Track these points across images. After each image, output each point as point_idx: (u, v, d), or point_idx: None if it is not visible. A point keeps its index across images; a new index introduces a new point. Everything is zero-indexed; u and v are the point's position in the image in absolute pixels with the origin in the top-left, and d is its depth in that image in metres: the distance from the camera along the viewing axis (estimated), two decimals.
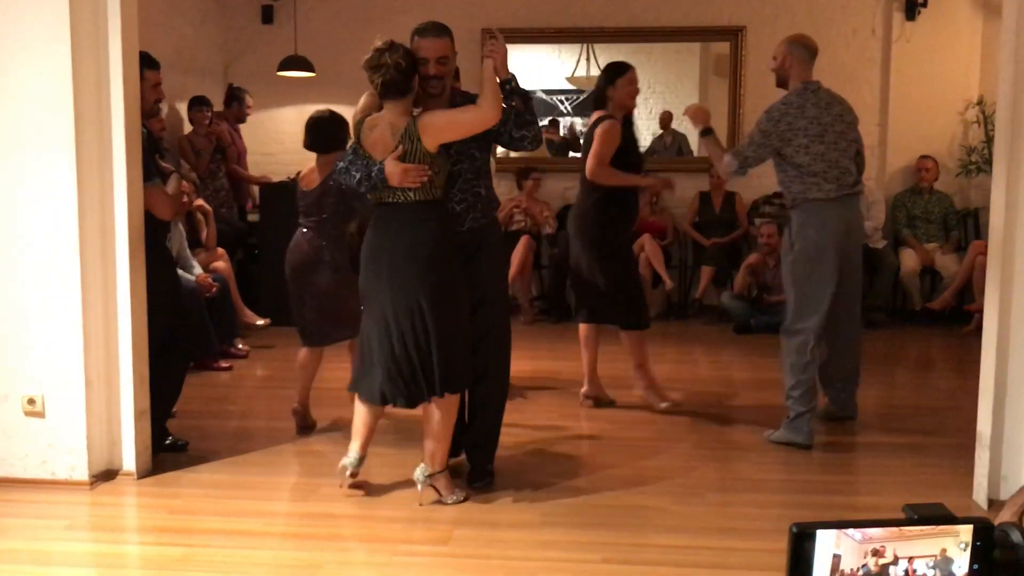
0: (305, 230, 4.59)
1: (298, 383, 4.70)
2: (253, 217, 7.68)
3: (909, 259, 7.65)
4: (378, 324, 3.60)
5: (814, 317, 4.38)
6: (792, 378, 4.43)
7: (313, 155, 4.58)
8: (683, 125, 8.46)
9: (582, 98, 8.80)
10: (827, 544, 1.43)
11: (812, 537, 1.42)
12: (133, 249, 3.86)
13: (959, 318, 7.28)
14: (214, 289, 5.86)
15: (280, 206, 7.17)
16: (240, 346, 6.34)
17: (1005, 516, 3.24)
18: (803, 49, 4.51)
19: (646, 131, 8.45)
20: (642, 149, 5.74)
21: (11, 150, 3.73)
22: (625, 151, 4.82)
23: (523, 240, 7.72)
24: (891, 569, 1.45)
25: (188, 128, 7.39)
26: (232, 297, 6.40)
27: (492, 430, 3.94)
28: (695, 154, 8.36)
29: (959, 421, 4.63)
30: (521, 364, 6.25)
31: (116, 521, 3.67)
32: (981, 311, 4.25)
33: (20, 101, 3.71)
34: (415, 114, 3.58)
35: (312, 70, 7.72)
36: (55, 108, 3.70)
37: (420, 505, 3.64)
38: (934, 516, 1.47)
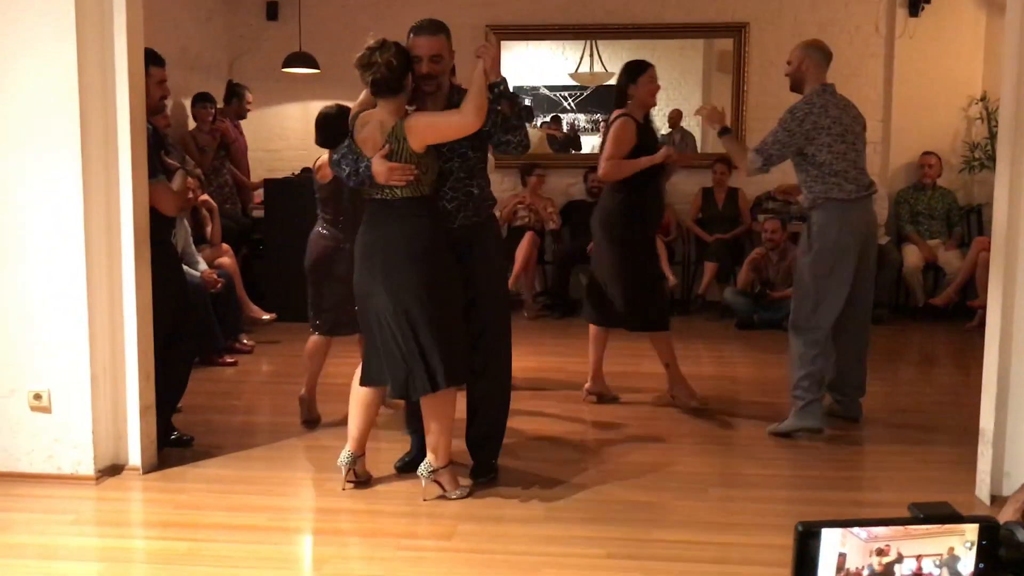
0: (323, 222, 4.64)
1: (306, 372, 4.75)
2: (258, 213, 7.70)
3: (912, 255, 7.65)
4: (373, 320, 3.62)
5: (828, 315, 4.43)
6: (801, 370, 4.46)
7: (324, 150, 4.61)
8: (689, 123, 8.47)
9: (585, 94, 8.81)
10: (832, 543, 1.43)
11: (818, 536, 1.43)
12: (138, 245, 3.87)
13: (962, 314, 7.28)
14: (219, 285, 5.88)
15: (285, 202, 7.20)
16: (245, 341, 6.35)
17: (1008, 512, 3.25)
18: (819, 53, 4.57)
19: None
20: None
21: (17, 146, 3.75)
22: (644, 149, 4.80)
23: (527, 236, 7.73)
24: (896, 568, 1.45)
25: (192, 125, 7.40)
26: (237, 293, 6.41)
27: (495, 427, 3.95)
28: (698, 150, 8.38)
29: (962, 417, 4.63)
30: (525, 360, 6.27)
31: (121, 516, 3.69)
32: (984, 307, 4.25)
33: (25, 98, 3.72)
34: (408, 112, 3.60)
35: (317, 67, 7.73)
36: (60, 105, 3.71)
37: (424, 500, 3.65)
38: (940, 515, 1.47)
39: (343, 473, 3.76)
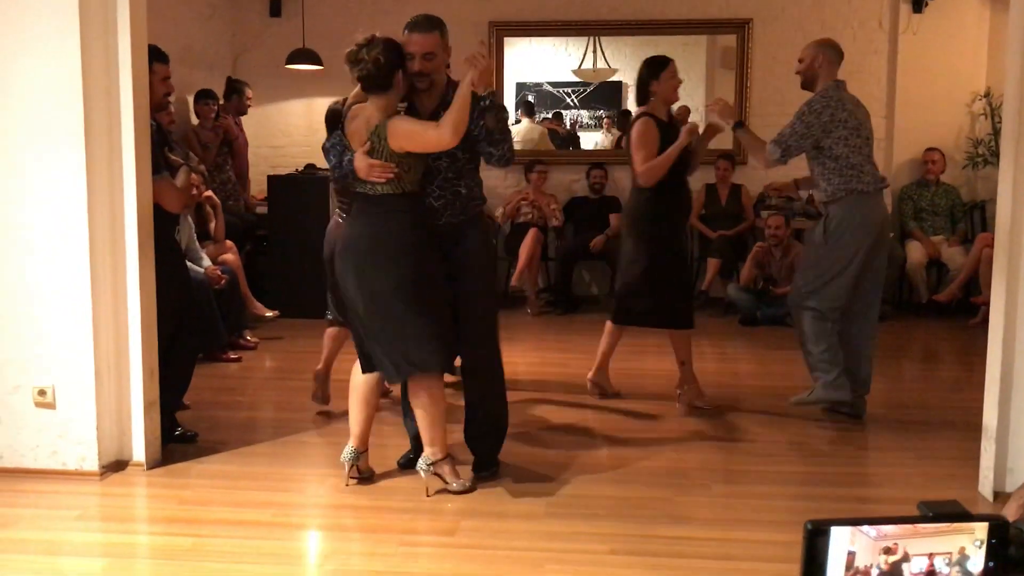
0: (340, 211, 4.66)
1: (324, 352, 4.81)
2: (262, 209, 7.71)
3: (915, 251, 7.64)
4: (352, 310, 3.66)
5: (835, 303, 4.53)
6: (820, 343, 4.55)
7: None
8: (694, 119, 8.45)
9: (588, 91, 8.80)
10: (842, 541, 1.43)
11: (827, 534, 1.43)
12: (142, 242, 3.88)
13: (965, 310, 7.28)
14: (223, 281, 5.89)
15: (288, 198, 7.21)
16: (249, 338, 6.36)
17: (1011, 509, 3.25)
18: (832, 51, 4.62)
19: None
20: None
21: (21, 143, 3.75)
22: (668, 146, 4.75)
23: (531, 232, 7.73)
24: (904, 566, 1.46)
25: (195, 121, 7.41)
26: (241, 289, 6.42)
27: (493, 422, 3.95)
28: None
29: (965, 414, 4.63)
30: (528, 356, 6.29)
31: (126, 511, 3.70)
32: (987, 303, 4.26)
33: (29, 94, 3.73)
34: (400, 110, 3.60)
35: (320, 63, 7.73)
36: (64, 102, 3.72)
37: (428, 496, 3.66)
38: (949, 513, 1.47)
39: (346, 469, 3.77)
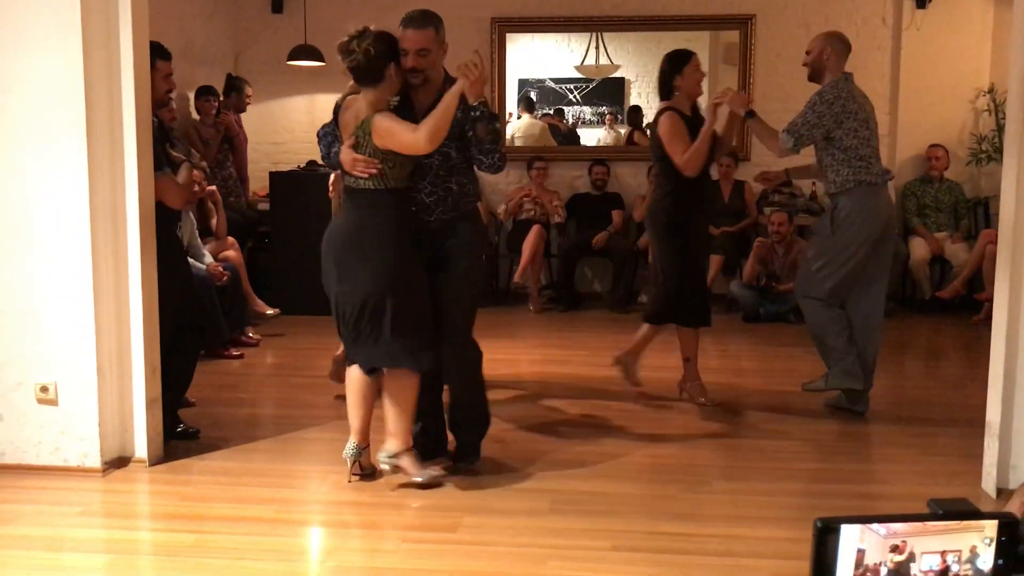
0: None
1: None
2: (264, 206, 7.70)
3: (919, 248, 7.63)
4: (334, 305, 3.66)
5: (840, 292, 4.57)
6: (830, 330, 4.59)
7: None
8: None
9: (591, 87, 8.79)
10: (851, 539, 1.43)
11: (837, 531, 1.43)
12: (144, 238, 3.88)
13: (969, 307, 7.27)
14: (225, 278, 5.89)
15: (290, 195, 7.21)
16: (251, 334, 6.37)
17: (1015, 505, 3.25)
18: (841, 44, 4.63)
19: None
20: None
21: (23, 140, 3.75)
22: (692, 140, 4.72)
23: (535, 229, 7.72)
24: (913, 565, 1.45)
25: (196, 117, 7.40)
26: (243, 286, 6.42)
27: (473, 409, 3.94)
28: None
29: (968, 410, 4.63)
30: (530, 353, 6.29)
31: (128, 508, 3.70)
32: (991, 300, 4.25)
33: (31, 91, 3.73)
34: (392, 104, 3.59)
35: (322, 59, 7.72)
36: (66, 98, 3.71)
37: (392, 490, 3.66)
38: (959, 511, 1.47)
39: (348, 465, 3.77)
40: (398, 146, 3.50)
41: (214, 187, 6.44)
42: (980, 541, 1.46)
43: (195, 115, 7.38)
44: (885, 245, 4.61)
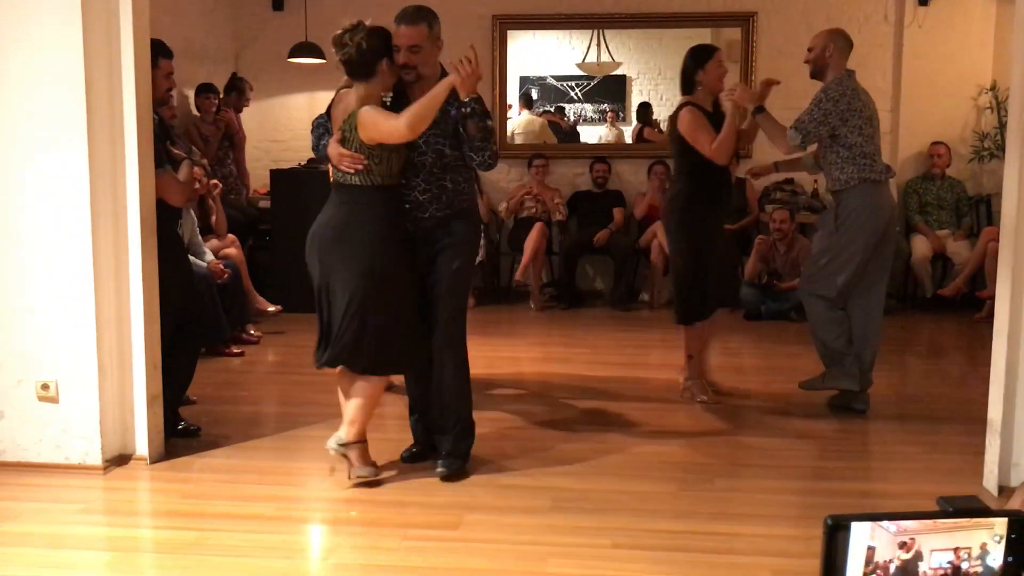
0: None
1: None
2: (264, 204, 7.70)
3: (921, 245, 7.62)
4: (317, 297, 3.66)
5: (844, 289, 4.57)
6: (831, 330, 4.59)
7: None
8: None
9: (592, 84, 8.78)
10: (862, 536, 1.43)
11: (847, 529, 1.43)
12: (145, 235, 3.88)
13: (970, 305, 7.26)
14: (226, 275, 5.89)
15: (291, 193, 7.20)
16: (252, 332, 6.37)
17: (1016, 502, 3.24)
18: (843, 40, 4.63)
19: (662, 120, 8.43)
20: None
21: (24, 138, 3.75)
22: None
23: (537, 227, 7.71)
24: (921, 563, 1.45)
25: (196, 114, 7.40)
26: (243, 283, 6.43)
27: (457, 415, 3.82)
28: None
29: (969, 408, 4.63)
30: (531, 351, 6.29)
31: (129, 505, 3.70)
32: (992, 298, 4.25)
33: (32, 89, 3.72)
34: (384, 100, 3.59)
35: (322, 56, 7.70)
36: (67, 96, 3.71)
37: (349, 479, 3.69)
38: (969, 509, 1.47)
39: (331, 452, 3.73)
40: (381, 135, 3.49)
41: (217, 181, 6.44)
42: (990, 538, 1.46)
43: (195, 112, 7.38)
44: (887, 242, 4.62)
